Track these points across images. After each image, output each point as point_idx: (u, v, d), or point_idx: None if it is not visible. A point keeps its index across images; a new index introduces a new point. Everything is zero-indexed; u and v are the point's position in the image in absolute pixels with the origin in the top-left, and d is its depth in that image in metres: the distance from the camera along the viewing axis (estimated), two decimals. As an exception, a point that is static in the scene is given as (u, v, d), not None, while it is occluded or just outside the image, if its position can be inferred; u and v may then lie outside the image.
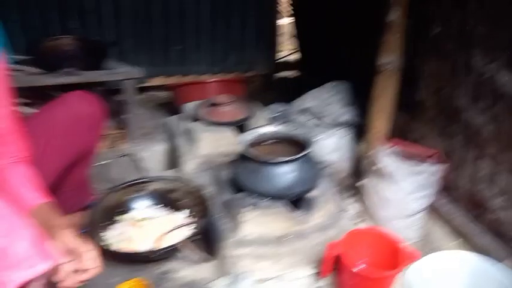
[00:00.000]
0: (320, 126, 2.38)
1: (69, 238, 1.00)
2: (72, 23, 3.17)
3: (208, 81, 2.94)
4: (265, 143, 1.75)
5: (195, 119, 2.29)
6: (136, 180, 1.79)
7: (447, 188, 1.76)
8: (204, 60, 3.67)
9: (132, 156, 1.90)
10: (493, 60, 1.44)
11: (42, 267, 0.83)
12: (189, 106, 2.45)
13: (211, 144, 2.12)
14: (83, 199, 1.73)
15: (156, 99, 3.66)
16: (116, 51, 3.24)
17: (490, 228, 1.54)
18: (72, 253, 1.00)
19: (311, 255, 1.52)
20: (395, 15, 1.77)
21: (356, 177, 2.17)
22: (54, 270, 0.97)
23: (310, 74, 3.69)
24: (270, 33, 3.86)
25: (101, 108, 1.54)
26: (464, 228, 1.63)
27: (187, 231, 1.63)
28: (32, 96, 2.57)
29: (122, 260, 1.51)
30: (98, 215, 1.62)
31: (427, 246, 1.73)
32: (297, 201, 1.62)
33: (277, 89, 3.87)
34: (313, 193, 1.64)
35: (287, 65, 4.53)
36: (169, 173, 2.15)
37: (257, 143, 1.72)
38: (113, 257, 1.45)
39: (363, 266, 1.41)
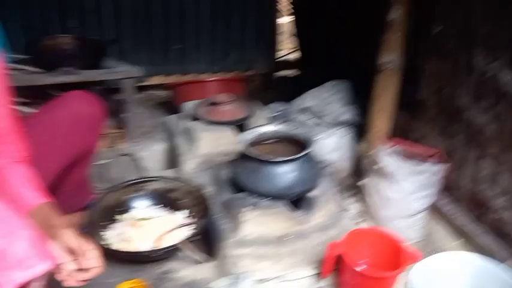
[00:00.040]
0: (320, 125, 2.37)
1: (70, 237, 1.00)
2: (71, 22, 3.15)
3: (208, 80, 2.93)
4: (266, 142, 1.74)
5: (195, 118, 2.28)
6: (135, 179, 1.78)
7: (449, 188, 1.75)
8: (204, 59, 3.65)
9: (131, 155, 1.89)
10: (495, 59, 1.43)
11: (41, 268, 0.83)
12: (189, 105, 2.43)
13: (211, 144, 2.11)
14: (82, 199, 1.72)
15: (155, 98, 3.65)
16: (115, 50, 3.23)
17: (492, 228, 1.53)
18: (73, 252, 0.99)
19: (312, 255, 1.51)
20: (396, 14, 1.76)
21: (357, 177, 2.16)
22: (56, 270, 0.96)
23: (310, 73, 3.68)
24: (270, 32, 3.84)
25: (101, 108, 1.53)
26: (466, 228, 1.62)
27: (187, 231, 1.62)
28: (31, 95, 2.56)
29: (122, 260, 1.50)
30: (97, 214, 1.61)
31: (428, 246, 1.72)
32: (298, 201, 1.61)
33: (277, 88, 3.85)
34: (313, 193, 1.63)
35: (287, 64, 4.51)
36: (169, 173, 2.14)
37: (257, 142, 1.71)
38: (113, 257, 1.44)
39: (364, 266, 1.40)
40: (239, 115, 2.28)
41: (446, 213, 1.73)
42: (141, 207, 1.75)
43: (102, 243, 1.51)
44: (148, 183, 1.79)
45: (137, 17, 3.32)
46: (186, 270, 1.50)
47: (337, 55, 3.12)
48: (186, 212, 1.73)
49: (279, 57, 4.31)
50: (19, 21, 2.99)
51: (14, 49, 2.67)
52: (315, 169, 1.62)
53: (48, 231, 1.00)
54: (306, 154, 1.54)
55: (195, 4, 3.46)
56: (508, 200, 1.46)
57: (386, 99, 1.89)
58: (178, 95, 2.87)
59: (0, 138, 1.11)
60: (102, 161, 2.14)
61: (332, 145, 2.23)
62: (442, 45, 1.71)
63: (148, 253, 1.45)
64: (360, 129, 2.29)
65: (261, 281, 1.45)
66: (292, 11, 4.15)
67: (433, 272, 1.29)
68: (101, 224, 1.62)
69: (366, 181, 1.82)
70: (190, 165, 2.03)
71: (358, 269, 1.26)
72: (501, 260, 1.40)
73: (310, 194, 1.62)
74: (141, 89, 3.57)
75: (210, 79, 2.94)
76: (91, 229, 1.51)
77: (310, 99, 2.50)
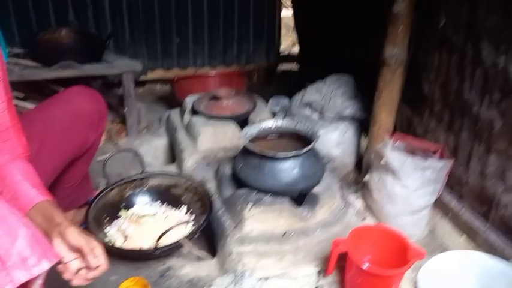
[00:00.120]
0: (323, 120, 2.34)
1: (74, 235, 0.98)
2: (69, 16, 3.12)
3: (209, 74, 2.91)
4: (268, 137, 1.72)
5: (196, 112, 2.25)
6: (136, 175, 1.76)
7: (454, 184, 1.73)
8: (204, 53, 3.62)
9: (132, 151, 1.86)
10: (504, 53, 1.40)
11: (42, 267, 0.81)
12: (190, 99, 2.41)
13: (212, 139, 2.09)
14: (83, 195, 1.71)
15: (155, 92, 3.63)
16: (114, 44, 3.21)
17: (498, 225, 1.51)
18: (77, 251, 0.99)
19: (315, 252, 1.49)
20: (401, 6, 1.72)
21: (360, 173, 2.14)
22: (62, 269, 0.96)
23: (312, 67, 3.65)
24: (272, 25, 3.81)
25: (102, 104, 1.51)
26: (471, 224, 1.60)
27: (189, 228, 1.61)
28: (29, 90, 2.54)
29: (124, 257, 1.49)
30: (98, 211, 1.59)
31: (433, 243, 1.71)
32: (301, 197, 1.59)
33: (279, 82, 3.84)
34: (316, 189, 1.61)
35: (289, 58, 4.48)
36: (170, 168, 2.12)
37: (259, 137, 1.69)
38: (115, 254, 1.43)
39: (367, 263, 1.38)
40: (241, 110, 2.26)
41: (451, 209, 1.71)
42: (142, 203, 1.74)
43: (104, 240, 1.50)
44: (149, 179, 1.77)
45: (136, 9, 3.29)
46: (188, 268, 1.49)
47: (340, 48, 3.09)
48: (187, 209, 1.72)
49: (281, 51, 4.27)
50: (15, 14, 2.95)
51: (11, 43, 2.66)
52: (318, 165, 1.60)
53: (51, 229, 0.99)
54: (309, 150, 1.52)
55: (195, -4, 3.43)
56: (516, 196, 1.44)
57: (390, 93, 1.87)
58: (178, 89, 2.85)
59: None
60: (102, 157, 2.12)
61: (335, 140, 2.21)
62: (448, 39, 1.68)
63: (151, 250, 1.43)
64: (363, 124, 2.27)
65: (264, 278, 1.43)
66: (292, 3, 4.11)
67: (442, 271, 1.28)
68: (102, 220, 1.60)
69: (369, 177, 1.80)
70: (191, 161, 2.01)
71: (364, 266, 1.24)
72: (508, 256, 1.39)
73: (314, 190, 1.60)
74: (141, 83, 3.55)
75: (211, 73, 2.92)
76: (92, 226, 1.49)
77: (312, 93, 2.47)
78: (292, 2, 4.07)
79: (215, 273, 1.47)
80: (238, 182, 1.64)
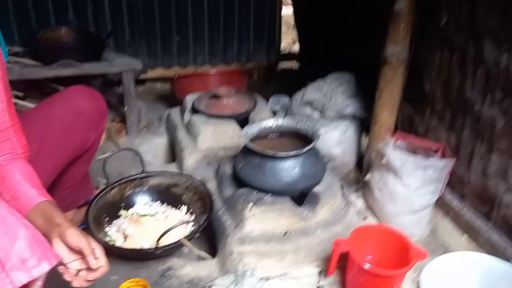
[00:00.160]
0: (323, 118, 2.34)
1: (74, 236, 0.98)
2: (69, 15, 3.10)
3: (209, 72, 2.90)
4: (269, 136, 1.71)
5: (196, 111, 2.24)
6: (136, 175, 1.75)
7: (455, 183, 1.72)
8: (204, 51, 3.61)
9: (132, 149, 1.86)
10: (506, 51, 1.39)
11: (42, 268, 0.81)
12: (190, 98, 2.40)
13: (212, 138, 2.09)
14: (83, 195, 1.70)
15: (155, 91, 3.62)
16: (114, 43, 3.20)
17: (500, 224, 1.50)
18: (77, 252, 0.98)
19: (316, 252, 1.48)
20: (402, 5, 1.71)
21: (361, 172, 2.13)
22: (63, 270, 0.96)
23: (313, 67, 3.63)
24: (273, 24, 3.79)
25: (103, 103, 1.51)
26: (473, 224, 1.59)
27: (189, 228, 1.60)
28: (29, 89, 2.53)
29: (124, 257, 1.48)
30: (98, 211, 1.59)
31: (434, 243, 1.70)
32: (301, 196, 1.59)
33: (280, 81, 3.83)
34: (317, 188, 1.61)
35: (290, 56, 4.47)
36: (170, 167, 2.12)
37: (260, 136, 1.69)
38: (115, 254, 1.42)
39: (368, 263, 1.37)
40: (241, 109, 2.25)
41: (453, 208, 1.70)
42: (142, 203, 1.73)
43: (104, 239, 1.49)
44: (149, 179, 1.76)
45: (136, 8, 3.28)
46: (188, 268, 1.48)
47: (340, 47, 3.08)
48: (187, 208, 1.71)
49: (282, 49, 4.26)
50: (15, 12, 2.94)
51: (10, 42, 2.65)
52: (319, 164, 1.59)
53: (51, 230, 0.98)
54: (310, 149, 1.51)
55: (195, -6, 3.41)
56: (518, 196, 1.43)
57: (391, 92, 1.86)
58: (179, 87, 2.84)
59: (-1, 134, 1.09)
60: (102, 156, 2.11)
61: (336, 139, 2.21)
62: (449, 37, 1.67)
63: (152, 250, 1.43)
64: (364, 123, 2.26)
65: (265, 278, 1.42)
66: (292, 3, 4.09)
67: (444, 272, 1.27)
68: (102, 220, 1.60)
69: (370, 176, 1.79)
70: (191, 160, 2.00)
71: (366, 266, 1.23)
72: (510, 256, 1.38)
73: (314, 190, 1.60)
74: (141, 81, 3.54)
75: (212, 72, 2.91)
76: (92, 225, 1.49)
77: (313, 92, 2.47)
78: (292, 1, 4.06)
79: (216, 273, 1.46)
80: (239, 181, 1.63)
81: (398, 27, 1.76)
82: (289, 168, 1.51)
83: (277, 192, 1.53)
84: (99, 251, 1.00)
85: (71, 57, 2.33)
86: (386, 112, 1.90)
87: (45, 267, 0.81)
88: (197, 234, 1.50)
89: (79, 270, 0.99)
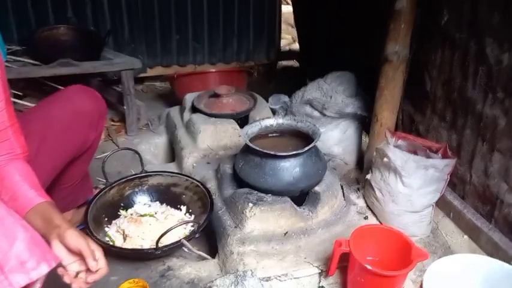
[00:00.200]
0: (324, 117, 2.33)
1: (73, 238, 0.97)
2: (68, 13, 3.09)
3: (209, 71, 2.89)
4: (269, 135, 1.70)
5: (196, 110, 2.23)
6: (136, 174, 1.75)
7: (457, 183, 1.72)
8: (203, 50, 3.59)
9: (131, 149, 1.85)
10: (507, 50, 1.39)
11: (41, 270, 0.80)
12: (189, 97, 2.38)
13: (212, 137, 2.08)
14: (82, 195, 1.69)
15: (155, 90, 3.61)
16: (113, 42, 3.18)
17: (502, 224, 1.49)
18: (77, 253, 0.98)
19: (317, 252, 1.48)
20: (403, 3, 1.70)
21: (361, 171, 2.12)
22: (62, 272, 0.95)
23: (312, 67, 3.62)
24: (272, 22, 3.77)
25: (102, 103, 1.50)
26: (474, 224, 1.58)
27: (189, 228, 1.59)
28: (28, 88, 2.52)
29: (124, 257, 1.47)
30: (97, 211, 1.58)
31: (435, 243, 1.69)
32: (302, 196, 1.58)
33: (280, 79, 3.82)
34: (318, 188, 1.60)
35: (290, 54, 4.46)
36: (170, 167, 2.10)
37: (260, 135, 1.68)
38: (114, 254, 1.41)
39: (369, 264, 1.37)
40: (241, 107, 2.24)
41: (454, 208, 1.70)
42: (142, 202, 1.72)
43: (104, 240, 1.48)
44: (149, 178, 1.75)
45: (135, 7, 3.26)
46: (188, 268, 1.48)
47: (339, 48, 3.06)
48: (187, 208, 1.70)
49: (282, 48, 4.25)
50: (13, 11, 2.92)
51: (8, 40, 2.63)
52: (319, 163, 1.58)
53: (50, 231, 0.98)
54: (311, 148, 1.50)
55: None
56: (519, 195, 1.42)
57: (392, 90, 1.85)
58: (178, 86, 2.83)
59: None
60: (101, 155, 2.10)
61: (336, 138, 2.20)
62: (451, 36, 1.67)
63: (152, 250, 1.42)
64: (365, 122, 2.25)
65: (266, 279, 1.42)
66: (292, 2, 4.07)
67: (447, 274, 1.26)
68: (102, 220, 1.59)
69: (371, 175, 1.78)
70: (191, 159, 1.99)
71: (369, 266, 1.22)
72: (510, 256, 1.38)
73: (315, 189, 1.59)
74: (140, 80, 3.53)
75: (211, 70, 2.90)
76: (92, 226, 1.48)
77: (313, 90, 2.46)
78: (292, 1, 4.04)
79: (216, 274, 1.46)
80: (239, 181, 1.62)
81: (399, 26, 1.76)
82: (290, 168, 1.50)
83: (278, 192, 1.52)
84: (99, 253, 0.99)
85: (69, 56, 2.32)
86: (387, 111, 1.89)
87: (44, 269, 0.81)
88: (197, 235, 1.49)
89: (78, 272, 0.98)
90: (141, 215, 1.64)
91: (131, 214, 1.66)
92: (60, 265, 0.95)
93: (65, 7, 3.04)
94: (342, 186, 1.74)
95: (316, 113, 2.39)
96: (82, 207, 1.66)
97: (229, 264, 1.44)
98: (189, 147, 2.06)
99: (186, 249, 1.46)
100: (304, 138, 1.61)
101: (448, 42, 1.68)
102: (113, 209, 1.65)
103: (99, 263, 0.98)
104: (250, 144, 1.51)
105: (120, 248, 1.48)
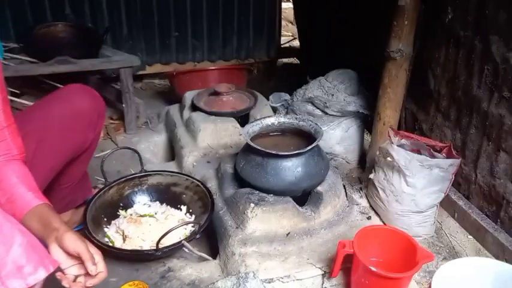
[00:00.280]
0: (326, 116, 2.30)
1: (72, 241, 0.95)
2: (66, 10, 3.05)
3: (208, 69, 2.87)
4: (271, 134, 1.68)
5: (195, 108, 2.21)
6: (135, 174, 1.72)
7: (461, 183, 1.70)
8: (203, 47, 3.57)
9: (130, 147, 1.82)
10: (514, 48, 1.37)
11: (39, 275, 0.79)
12: (189, 95, 2.36)
13: (212, 135, 2.06)
14: (81, 195, 1.67)
15: (154, 87, 3.59)
16: (112, 39, 3.15)
17: (508, 225, 1.48)
18: (75, 257, 0.96)
19: (320, 253, 1.46)
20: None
21: (363, 170, 2.10)
22: (61, 276, 0.94)
23: (313, 67, 3.60)
24: (273, 19, 3.75)
25: (101, 102, 1.48)
26: (479, 224, 1.57)
27: (190, 228, 1.57)
28: (25, 86, 2.49)
29: (124, 258, 1.45)
30: (96, 211, 1.55)
31: (439, 243, 1.68)
32: (304, 196, 1.56)
33: (280, 77, 3.80)
34: (320, 187, 1.57)
35: (290, 51, 4.43)
36: (169, 166, 2.08)
37: (262, 134, 1.65)
38: (114, 255, 1.39)
39: (373, 265, 1.35)
40: (241, 105, 2.22)
41: (458, 208, 1.68)
42: (142, 202, 1.70)
43: (103, 240, 1.46)
44: (148, 178, 1.73)
45: (133, 3, 3.23)
46: (189, 269, 1.46)
47: (339, 48, 3.04)
48: (187, 208, 1.68)
49: (283, 44, 4.22)
50: (9, 8, 2.88)
51: (5, 38, 2.60)
52: (322, 162, 1.56)
53: (48, 235, 0.96)
54: (313, 147, 1.48)
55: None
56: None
57: (395, 88, 1.83)
58: (177, 84, 2.81)
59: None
60: (100, 154, 2.07)
61: (338, 136, 2.18)
62: (455, 34, 1.64)
63: (151, 251, 1.40)
64: (367, 120, 2.23)
65: (268, 280, 1.39)
66: (293, 2, 4.05)
67: (455, 278, 1.23)
68: (101, 220, 1.57)
69: (374, 175, 1.76)
70: (191, 158, 1.97)
71: (373, 268, 1.20)
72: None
73: (317, 189, 1.57)
74: (139, 78, 3.50)
75: (211, 68, 2.87)
76: (91, 226, 1.46)
77: (314, 89, 2.43)
78: (292, 1, 4.02)
79: (217, 275, 1.43)
80: (240, 180, 1.60)
81: (403, 23, 1.73)
82: (292, 168, 1.47)
83: (280, 192, 1.50)
84: (98, 257, 0.98)
85: (67, 54, 2.29)
86: (390, 110, 1.87)
87: (41, 274, 0.80)
88: (198, 235, 1.46)
89: (77, 276, 0.96)
90: (141, 216, 1.62)
91: (131, 214, 1.64)
92: (58, 269, 0.93)
93: (62, 4, 3.01)
94: (344, 186, 1.72)
95: (317, 111, 2.37)
96: (81, 207, 1.64)
97: (230, 266, 1.42)
98: (189, 146, 2.04)
99: (186, 250, 1.44)
100: (306, 137, 1.59)
101: (453, 40, 1.66)
102: (112, 209, 1.63)
103: (98, 266, 0.97)
104: (252, 144, 1.48)
105: (120, 249, 1.45)
